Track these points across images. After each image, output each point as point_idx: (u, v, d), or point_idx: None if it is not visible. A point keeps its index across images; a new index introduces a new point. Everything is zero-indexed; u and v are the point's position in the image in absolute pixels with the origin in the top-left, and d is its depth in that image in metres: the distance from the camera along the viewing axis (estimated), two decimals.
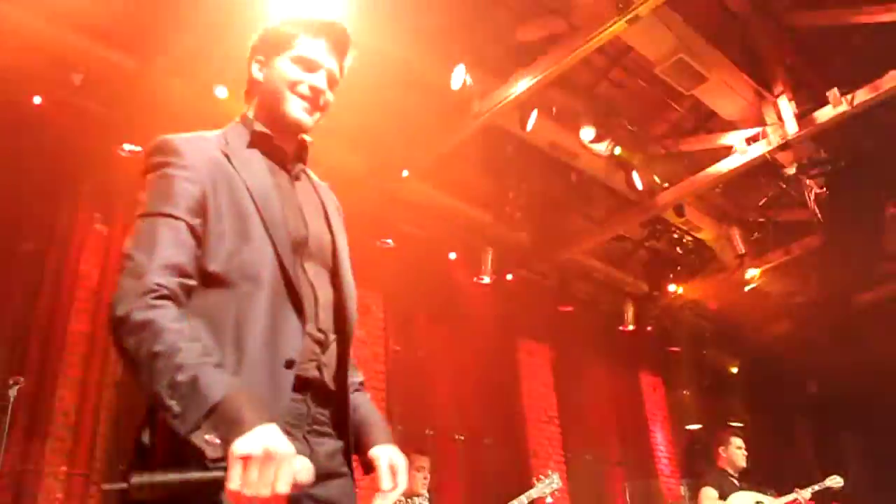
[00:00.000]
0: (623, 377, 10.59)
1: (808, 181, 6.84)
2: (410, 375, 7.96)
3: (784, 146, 6.58)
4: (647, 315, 9.62)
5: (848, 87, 6.08)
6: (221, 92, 5.54)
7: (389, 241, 7.32)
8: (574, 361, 9.79)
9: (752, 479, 5.92)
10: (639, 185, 7.30)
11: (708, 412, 9.60)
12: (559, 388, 9.30)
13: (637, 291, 9.53)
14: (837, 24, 6.50)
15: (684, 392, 10.25)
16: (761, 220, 8.24)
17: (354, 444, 1.79)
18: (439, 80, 5.99)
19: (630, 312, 9.22)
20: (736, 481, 5.75)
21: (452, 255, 8.04)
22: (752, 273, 8.63)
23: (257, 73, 1.85)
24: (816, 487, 5.91)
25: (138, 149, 5.61)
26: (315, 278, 1.74)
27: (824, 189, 6.83)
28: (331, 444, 1.72)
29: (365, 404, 1.90)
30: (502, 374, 8.89)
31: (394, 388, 7.54)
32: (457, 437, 7.94)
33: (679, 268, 8.94)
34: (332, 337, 1.75)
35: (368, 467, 1.80)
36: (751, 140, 6.80)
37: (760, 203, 8.19)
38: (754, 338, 10.69)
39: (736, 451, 5.83)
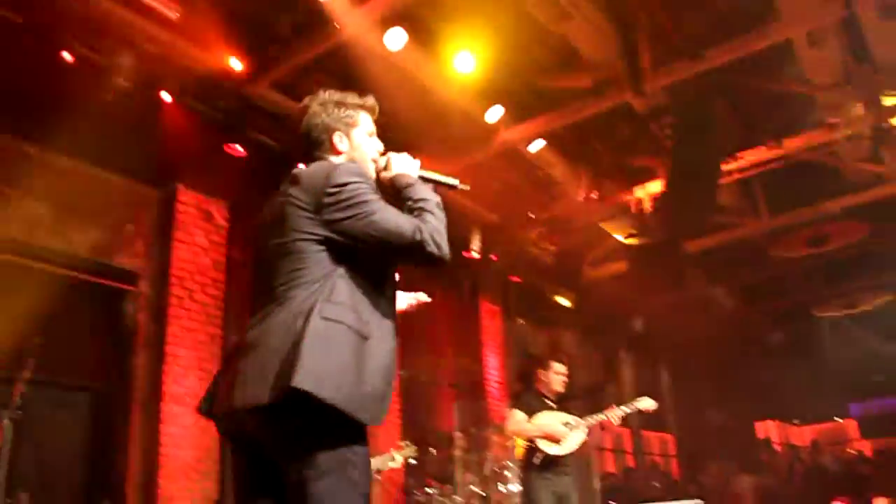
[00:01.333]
0: (463, 302, 10.87)
1: (656, 130, 7.15)
2: (250, 287, 7.77)
3: (638, 93, 6.82)
4: (493, 244, 9.85)
5: (706, 46, 6.34)
6: None
7: (239, 146, 7.01)
8: (415, 282, 9.88)
9: (571, 405, 5.99)
10: (496, 116, 7.36)
11: (542, 342, 10.07)
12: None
13: (485, 220, 9.71)
14: None
15: (520, 321, 10.67)
16: (610, 162, 8.58)
17: None
18: None
19: (477, 240, 9.38)
20: (552, 404, 5.76)
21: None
22: None
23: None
24: (626, 409, 5.86)
25: None
26: None
27: (671, 139, 7.16)
28: None
29: None
30: None
31: (232, 299, 7.34)
32: None
33: (527, 200, 9.16)
34: None
35: None
36: (607, 83, 7.00)
37: (610, 146, 8.50)
38: (591, 274, 11.24)
39: (555, 377, 5.80)
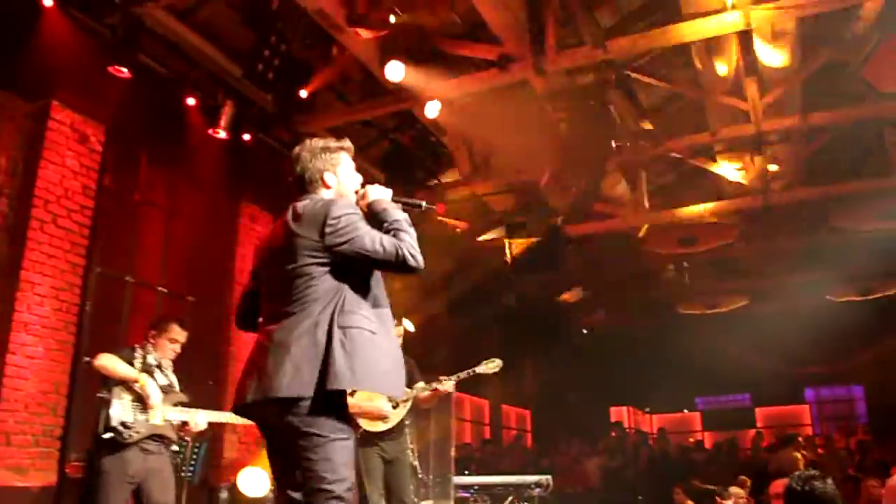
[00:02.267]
0: None
1: (551, 113, 7.25)
2: (121, 218, 7.43)
3: (539, 72, 6.88)
4: None
5: (610, 36, 6.46)
6: None
7: (124, 69, 6.63)
8: None
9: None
10: (396, 77, 7.27)
11: (414, 310, 10.05)
12: None
13: (371, 179, 9.59)
14: None
15: (395, 284, 10.66)
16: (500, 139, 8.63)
17: None
18: None
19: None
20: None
21: (191, 101, 7.51)
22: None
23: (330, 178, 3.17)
24: (462, 375, 5.68)
25: None
26: None
27: (564, 122, 7.29)
28: None
29: None
30: (219, 233, 8.62)
31: (100, 228, 6.99)
32: (159, 288, 7.65)
33: (416, 165, 9.11)
34: None
35: None
36: (510, 59, 7.03)
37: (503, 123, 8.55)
38: (470, 245, 11.33)
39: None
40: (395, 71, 7.16)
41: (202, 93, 7.56)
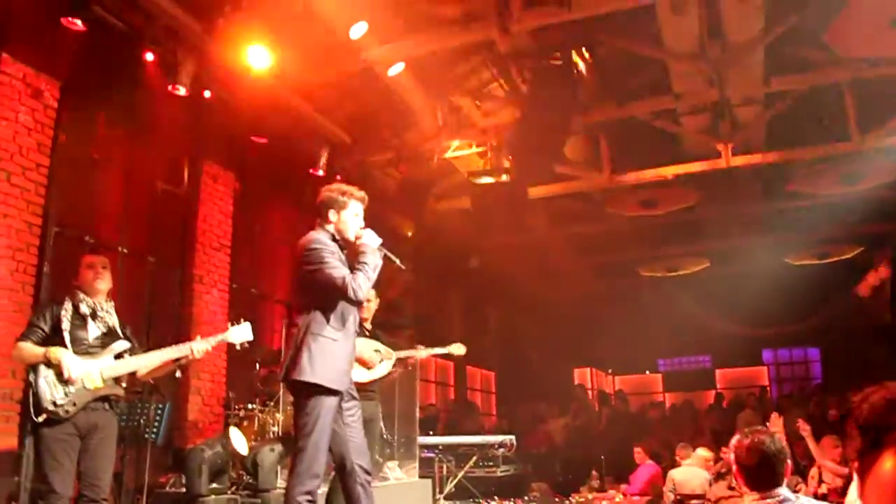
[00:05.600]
0: (303, 219, 10.67)
1: (516, 74, 7.21)
2: (79, 176, 7.27)
3: (504, 31, 6.82)
4: (339, 165, 9.68)
5: None
6: None
7: (78, 21, 6.42)
8: (257, 194, 9.65)
9: (391, 334, 6.23)
10: (359, 33, 7.17)
11: (388, 270, 10.07)
12: (237, 218, 9.13)
13: (334, 139, 9.52)
14: None
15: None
16: (467, 98, 8.59)
17: None
18: None
19: (324, 158, 9.19)
20: (365, 330, 5.86)
21: (150, 57, 7.33)
22: None
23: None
24: (437, 350, 6.39)
25: None
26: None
27: (528, 83, 7.24)
28: None
29: None
30: (180, 193, 8.50)
31: (57, 186, 6.84)
32: (120, 249, 7.53)
33: (380, 125, 9.04)
34: None
35: None
36: (475, 17, 6.96)
37: (469, 82, 8.52)
38: (434, 207, 11.31)
39: (369, 304, 5.89)
40: (357, 29, 7.06)
41: (161, 48, 7.37)
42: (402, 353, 6.12)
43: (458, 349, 6.49)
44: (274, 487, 6.49)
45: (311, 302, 3.91)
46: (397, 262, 4.17)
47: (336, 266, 3.87)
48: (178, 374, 4.67)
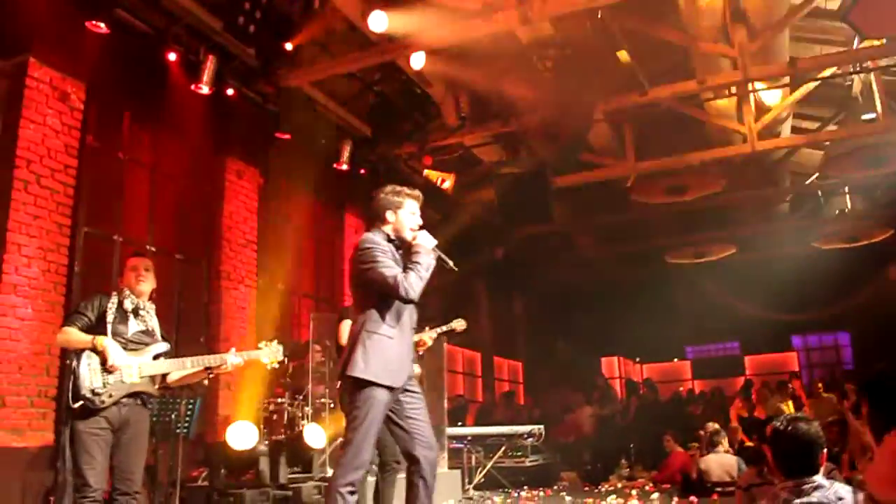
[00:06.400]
0: (328, 213, 10.76)
1: (537, 63, 7.17)
2: (106, 176, 7.37)
3: (525, 21, 6.79)
4: (363, 158, 9.71)
5: None
6: None
7: (102, 25, 6.51)
8: (282, 190, 9.71)
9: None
10: (379, 27, 7.18)
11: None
12: (262, 214, 9.20)
13: (357, 133, 9.55)
14: None
15: None
16: (489, 88, 8.55)
17: None
18: None
19: (347, 152, 9.22)
20: None
21: (172, 57, 7.41)
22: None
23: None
24: (441, 329, 6.27)
25: None
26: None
27: (550, 72, 7.21)
28: None
29: None
30: (206, 190, 8.58)
31: (85, 187, 6.94)
32: (147, 247, 7.63)
33: (402, 118, 9.04)
34: None
35: None
36: (495, 8, 6.94)
37: (491, 72, 8.47)
38: (458, 199, 11.30)
39: None
40: (379, 21, 7.07)
41: (183, 47, 7.45)
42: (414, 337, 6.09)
43: (458, 324, 6.41)
44: None
45: (366, 300, 3.95)
46: (450, 263, 4.13)
47: (389, 265, 3.88)
48: (206, 382, 4.70)
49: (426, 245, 4.01)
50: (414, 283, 3.84)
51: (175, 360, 4.43)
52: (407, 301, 3.89)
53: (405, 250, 4.06)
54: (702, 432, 9.12)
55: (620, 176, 10.67)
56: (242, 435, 6.81)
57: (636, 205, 12.19)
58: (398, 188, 4.13)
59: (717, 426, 8.85)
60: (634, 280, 16.54)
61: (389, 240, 4.05)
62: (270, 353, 4.74)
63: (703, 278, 15.93)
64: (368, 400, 3.81)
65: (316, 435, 7.18)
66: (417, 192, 4.16)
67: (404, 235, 4.06)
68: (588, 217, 13.09)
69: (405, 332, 4.02)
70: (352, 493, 3.77)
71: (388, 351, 3.88)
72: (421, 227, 4.11)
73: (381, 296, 3.91)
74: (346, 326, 5.73)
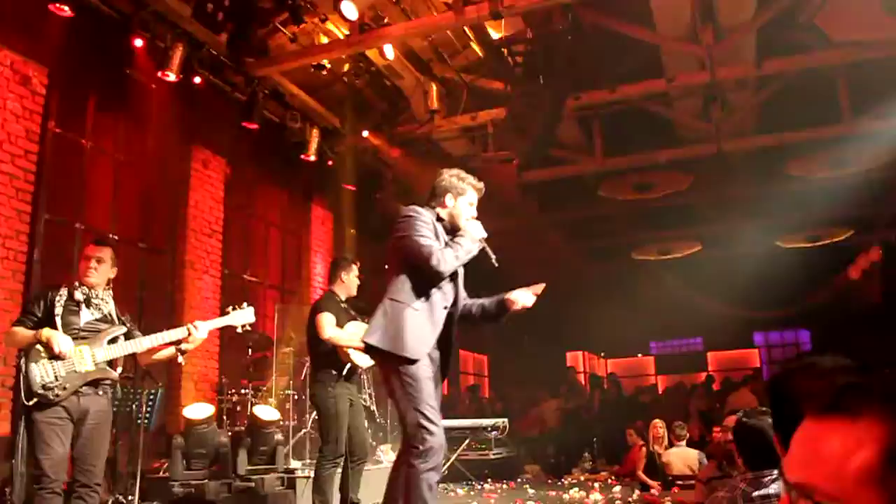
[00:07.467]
0: (295, 205, 10.69)
1: (508, 56, 7.17)
2: (69, 163, 7.24)
3: (495, 15, 6.78)
4: (331, 149, 9.65)
5: None
6: None
7: (66, 8, 6.39)
8: (248, 180, 9.63)
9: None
10: (351, 16, 7.14)
11: (370, 253, 10.06)
12: (228, 204, 9.11)
13: (325, 124, 9.49)
14: None
15: (351, 230, 10.62)
16: (459, 81, 8.55)
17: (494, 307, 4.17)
18: None
19: (314, 143, 9.16)
20: (352, 311, 5.79)
21: (139, 43, 7.29)
22: None
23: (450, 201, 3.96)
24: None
25: None
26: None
27: (520, 67, 7.21)
28: None
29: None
30: (171, 179, 8.47)
31: (46, 174, 6.81)
32: (110, 235, 7.52)
33: (371, 110, 9.00)
34: None
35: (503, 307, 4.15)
36: (468, 2, 6.92)
37: (461, 66, 8.48)
38: (425, 191, 11.25)
39: (353, 280, 5.84)
40: (349, 10, 7.02)
41: (150, 34, 7.33)
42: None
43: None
44: None
45: (397, 269, 3.78)
46: (493, 258, 3.93)
47: (426, 235, 3.73)
48: (180, 359, 4.56)
49: (474, 234, 3.86)
50: (448, 258, 3.69)
51: (131, 341, 4.33)
52: (435, 273, 3.69)
53: (452, 237, 3.90)
54: (660, 428, 9.26)
55: (588, 172, 10.74)
56: (198, 410, 6.76)
57: (603, 201, 12.27)
58: (464, 174, 3.98)
59: (662, 422, 9.07)
60: (601, 275, 16.66)
61: (439, 219, 3.91)
62: (241, 317, 4.58)
63: (668, 275, 16.09)
64: (394, 373, 3.65)
65: (267, 411, 7.08)
66: (481, 185, 4.01)
67: (458, 223, 3.91)
68: (555, 212, 13.14)
69: (434, 308, 3.79)
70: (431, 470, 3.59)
71: (410, 322, 3.66)
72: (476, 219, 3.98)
73: (410, 266, 3.74)
74: (324, 318, 5.69)
